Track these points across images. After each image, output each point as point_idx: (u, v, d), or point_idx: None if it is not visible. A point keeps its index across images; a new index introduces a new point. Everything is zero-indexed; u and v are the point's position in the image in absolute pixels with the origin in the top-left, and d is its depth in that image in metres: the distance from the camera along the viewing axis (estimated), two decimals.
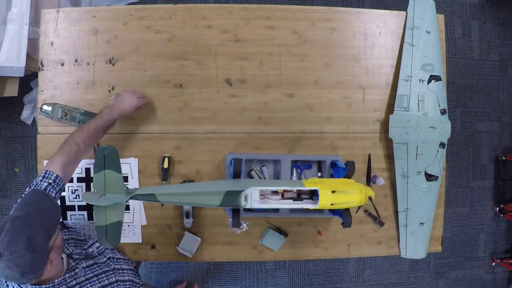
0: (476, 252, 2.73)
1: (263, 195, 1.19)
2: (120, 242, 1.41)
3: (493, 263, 2.70)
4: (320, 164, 1.45)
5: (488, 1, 2.73)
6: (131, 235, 1.43)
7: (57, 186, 1.11)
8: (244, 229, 1.46)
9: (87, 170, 1.43)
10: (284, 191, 1.21)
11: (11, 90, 1.95)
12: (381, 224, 1.50)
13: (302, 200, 1.21)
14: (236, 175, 1.26)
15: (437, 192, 1.49)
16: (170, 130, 1.46)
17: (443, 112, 1.49)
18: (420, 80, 1.48)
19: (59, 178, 1.12)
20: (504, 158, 2.70)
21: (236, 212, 1.23)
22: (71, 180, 1.42)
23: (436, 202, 1.50)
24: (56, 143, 1.42)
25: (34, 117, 2.36)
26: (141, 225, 1.44)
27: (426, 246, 1.51)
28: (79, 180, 1.43)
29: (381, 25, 1.54)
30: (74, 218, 1.43)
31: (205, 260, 1.48)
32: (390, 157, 1.51)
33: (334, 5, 2.44)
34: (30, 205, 1.01)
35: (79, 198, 1.43)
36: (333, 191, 1.16)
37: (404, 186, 1.48)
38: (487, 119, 2.73)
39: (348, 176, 1.28)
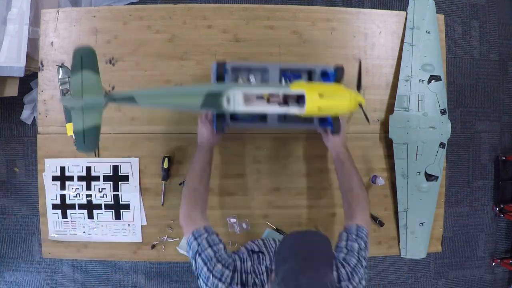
0: (476, 252, 2.73)
1: (248, 100, 1.12)
2: (120, 241, 1.43)
3: (493, 263, 2.70)
4: (310, 74, 1.35)
5: (488, 1, 2.73)
6: (131, 235, 1.43)
7: (212, 234, 1.06)
8: (244, 229, 1.46)
9: (88, 169, 1.43)
10: (270, 95, 1.14)
11: (11, 90, 1.96)
12: (381, 224, 1.50)
13: (289, 106, 1.14)
14: (220, 78, 1.20)
15: (437, 192, 1.49)
16: (170, 130, 1.46)
17: (443, 112, 1.49)
18: (420, 80, 1.48)
19: (207, 227, 1.07)
20: (504, 158, 2.70)
21: (220, 117, 1.19)
22: (72, 179, 1.43)
23: (436, 202, 1.50)
24: (56, 143, 1.43)
25: (34, 117, 2.37)
26: (141, 225, 1.44)
27: (426, 246, 1.52)
28: (80, 178, 1.43)
29: (381, 25, 1.54)
30: (74, 216, 1.43)
31: None
32: (390, 157, 1.51)
33: (334, 5, 2.44)
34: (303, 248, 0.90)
35: (79, 196, 1.43)
36: (320, 95, 1.11)
37: (404, 186, 1.48)
38: (487, 119, 2.74)
39: (337, 81, 1.22)
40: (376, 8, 1.85)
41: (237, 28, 1.48)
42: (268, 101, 1.14)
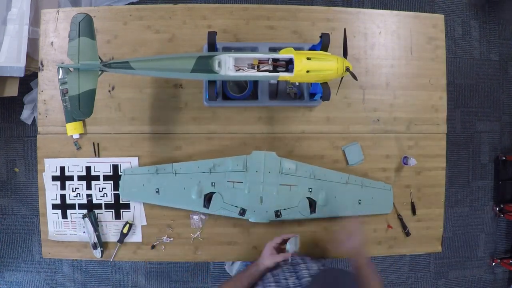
0: (476, 252, 2.73)
1: (238, 68, 1.16)
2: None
3: (493, 263, 2.70)
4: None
5: (488, 1, 2.74)
6: (131, 234, 1.43)
7: None
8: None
9: (88, 168, 1.43)
10: (260, 62, 1.18)
11: (11, 90, 1.96)
12: (408, 234, 1.50)
13: (278, 73, 1.19)
14: (211, 47, 1.25)
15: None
16: (170, 130, 1.46)
17: None
18: None
19: None
20: (504, 158, 2.70)
21: (211, 84, 1.23)
22: (72, 179, 1.43)
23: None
24: (56, 143, 1.43)
25: (34, 117, 2.37)
26: (141, 225, 1.44)
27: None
28: (80, 178, 1.43)
29: (381, 25, 1.54)
30: (74, 216, 1.43)
31: (205, 260, 1.48)
32: (390, 157, 1.51)
33: (334, 5, 2.44)
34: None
35: (79, 196, 1.43)
36: (308, 58, 1.15)
37: None
38: (487, 119, 2.74)
39: (324, 48, 1.25)
40: (376, 8, 1.85)
41: (237, 28, 1.48)
42: (258, 69, 1.18)
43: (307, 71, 1.15)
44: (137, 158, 1.44)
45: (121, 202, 1.43)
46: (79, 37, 1.06)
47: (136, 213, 1.44)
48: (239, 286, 1.22)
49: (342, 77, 1.26)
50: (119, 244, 1.43)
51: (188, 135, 1.46)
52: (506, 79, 2.75)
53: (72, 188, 1.43)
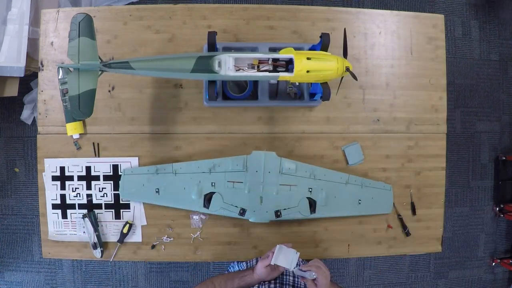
0: (476, 252, 2.74)
1: (238, 68, 1.17)
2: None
3: (493, 263, 2.70)
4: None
5: (488, 1, 2.74)
6: (131, 234, 1.43)
7: None
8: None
9: (88, 168, 1.43)
10: (260, 62, 1.18)
11: (11, 90, 1.96)
12: (408, 234, 1.50)
13: (278, 73, 1.19)
14: (211, 47, 1.25)
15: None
16: (170, 130, 1.46)
17: None
18: None
19: None
20: (504, 158, 2.70)
21: (211, 84, 1.24)
22: (72, 179, 1.43)
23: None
24: (56, 143, 1.44)
25: (34, 117, 2.37)
26: (141, 225, 1.44)
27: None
28: (80, 178, 1.43)
29: (381, 25, 1.54)
30: (74, 216, 1.43)
31: (205, 260, 1.48)
32: (390, 157, 1.51)
33: (334, 5, 2.44)
34: None
35: (79, 196, 1.43)
36: (308, 58, 1.15)
37: None
38: (487, 119, 2.74)
39: (324, 48, 1.25)
40: (376, 8, 1.85)
41: (237, 28, 1.48)
42: (258, 69, 1.18)
43: (307, 71, 1.15)
44: (137, 158, 1.44)
45: (121, 202, 1.44)
46: (79, 37, 1.06)
47: (136, 213, 1.44)
48: (230, 285, 1.20)
49: (342, 77, 1.27)
50: (119, 244, 1.43)
51: (188, 135, 1.46)
52: (506, 79, 2.75)
53: (72, 188, 1.43)
